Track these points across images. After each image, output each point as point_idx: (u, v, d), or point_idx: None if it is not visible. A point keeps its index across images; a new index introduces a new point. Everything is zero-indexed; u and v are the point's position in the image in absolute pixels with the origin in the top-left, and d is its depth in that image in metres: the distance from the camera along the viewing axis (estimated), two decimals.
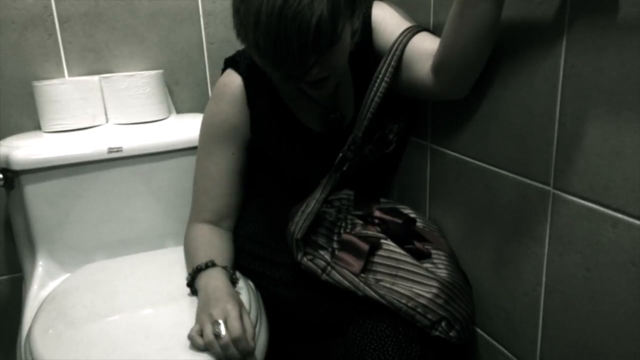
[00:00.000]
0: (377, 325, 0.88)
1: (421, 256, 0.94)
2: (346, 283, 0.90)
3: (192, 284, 0.95)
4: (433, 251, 0.96)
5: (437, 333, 0.87)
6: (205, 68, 1.37)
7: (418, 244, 0.96)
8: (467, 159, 0.95)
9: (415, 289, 0.88)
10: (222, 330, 0.79)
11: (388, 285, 0.89)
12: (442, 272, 0.92)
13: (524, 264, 0.85)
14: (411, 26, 0.93)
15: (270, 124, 1.02)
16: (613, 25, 0.63)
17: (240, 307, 0.85)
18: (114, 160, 1.14)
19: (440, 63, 0.85)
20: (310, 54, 0.80)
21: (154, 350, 0.82)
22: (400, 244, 0.94)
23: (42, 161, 1.09)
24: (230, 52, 1.06)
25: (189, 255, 1.03)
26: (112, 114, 1.24)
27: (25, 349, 0.88)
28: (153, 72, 1.24)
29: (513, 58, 0.81)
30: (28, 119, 1.25)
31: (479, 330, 0.99)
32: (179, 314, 0.91)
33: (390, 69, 0.92)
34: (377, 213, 1.01)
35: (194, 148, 1.11)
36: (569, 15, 0.69)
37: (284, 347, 1.02)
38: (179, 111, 1.36)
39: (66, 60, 1.25)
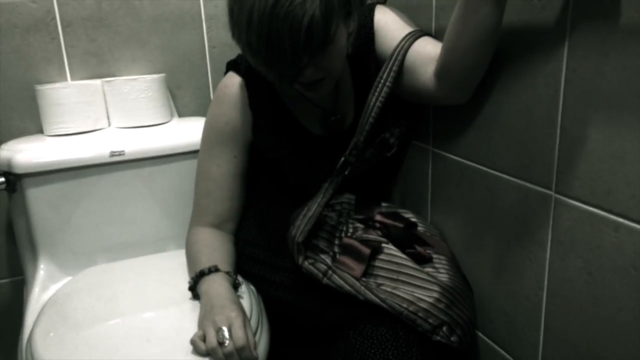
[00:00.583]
0: (378, 330, 0.88)
1: (422, 260, 0.94)
2: (347, 287, 0.90)
3: (194, 287, 0.95)
4: (434, 255, 0.96)
5: (438, 338, 0.87)
6: (207, 72, 1.37)
7: (419, 249, 0.96)
8: (468, 163, 0.95)
9: (417, 293, 0.88)
10: (227, 337, 0.79)
11: (389, 289, 0.89)
12: (444, 277, 0.92)
13: (525, 268, 0.85)
14: (413, 31, 0.93)
15: (271, 125, 1.02)
16: (615, 30, 0.63)
17: (243, 315, 0.85)
18: (116, 164, 1.14)
19: (442, 68, 0.85)
20: (302, 54, 0.79)
21: (155, 354, 0.82)
22: (402, 248, 0.94)
23: (44, 165, 1.09)
24: (232, 56, 1.06)
25: (191, 259, 1.03)
26: (114, 118, 1.25)
27: (27, 352, 0.88)
28: (155, 76, 1.24)
29: (515, 62, 0.81)
30: (30, 122, 1.25)
31: (480, 335, 0.99)
32: (181, 317, 0.91)
33: (392, 74, 0.92)
34: (378, 217, 1.01)
35: (196, 152, 1.11)
36: (571, 20, 0.70)
37: (285, 350, 1.02)
38: (181, 115, 1.37)
39: (69, 64, 1.25)
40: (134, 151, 1.15)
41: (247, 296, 0.96)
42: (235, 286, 0.95)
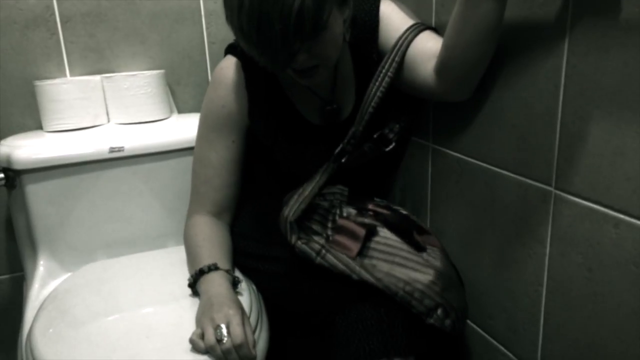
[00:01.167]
0: (362, 315, 0.87)
1: (417, 249, 0.94)
2: (341, 266, 0.89)
3: (193, 285, 0.95)
4: (427, 246, 0.96)
5: (431, 321, 0.86)
6: (206, 68, 1.37)
7: (417, 237, 0.95)
8: (468, 159, 0.95)
9: (412, 274, 0.87)
10: (225, 334, 0.79)
11: (385, 270, 0.88)
12: (437, 264, 0.91)
13: (525, 264, 0.85)
14: (417, 23, 0.93)
15: (267, 110, 1.01)
16: (615, 25, 0.63)
17: (242, 313, 0.85)
18: (116, 160, 1.14)
19: (443, 64, 0.85)
20: (293, 39, 0.79)
21: (154, 350, 0.82)
22: (398, 234, 0.93)
23: (43, 161, 1.09)
24: None
25: (190, 253, 1.02)
26: (113, 114, 1.24)
27: (26, 348, 0.88)
28: (155, 72, 1.24)
29: (515, 58, 0.81)
30: (30, 118, 1.25)
31: (480, 330, 0.99)
32: (180, 314, 0.91)
33: (394, 64, 0.92)
34: (371, 206, 1.00)
35: None
36: (571, 16, 0.69)
37: (283, 341, 1.02)
38: (180, 111, 1.37)
39: (68, 60, 1.25)
40: (134, 147, 1.15)
41: (247, 293, 0.96)
42: (235, 283, 0.95)
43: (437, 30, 0.94)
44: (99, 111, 1.23)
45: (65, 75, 1.26)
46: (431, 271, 0.88)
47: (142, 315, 0.92)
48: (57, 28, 1.23)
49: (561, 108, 0.73)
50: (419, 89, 0.93)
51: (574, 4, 0.69)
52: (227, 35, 1.39)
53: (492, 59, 0.83)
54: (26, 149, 1.10)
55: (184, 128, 1.21)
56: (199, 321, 0.85)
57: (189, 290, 0.95)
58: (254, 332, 0.86)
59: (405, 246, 0.91)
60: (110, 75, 1.24)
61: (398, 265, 0.89)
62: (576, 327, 0.76)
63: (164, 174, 1.19)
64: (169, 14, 1.30)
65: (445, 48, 0.83)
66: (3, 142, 1.15)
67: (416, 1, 1.01)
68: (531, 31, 0.77)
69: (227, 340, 0.79)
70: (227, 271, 0.95)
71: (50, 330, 0.88)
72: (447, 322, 0.87)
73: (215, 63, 1.35)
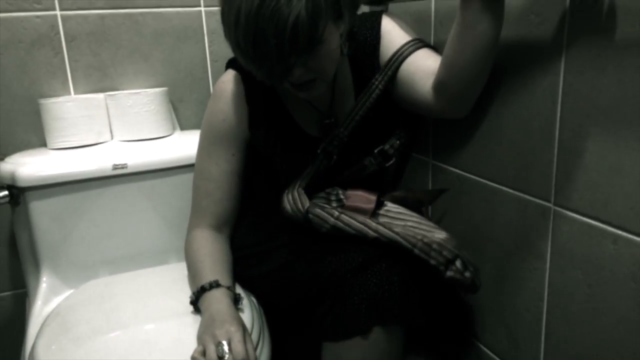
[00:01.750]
0: (351, 298, 0.87)
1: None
2: (357, 224, 0.89)
3: (195, 302, 0.95)
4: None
5: (451, 273, 0.85)
6: (209, 85, 1.38)
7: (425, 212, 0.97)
8: (468, 175, 0.96)
9: (427, 234, 0.88)
10: (226, 351, 0.79)
11: (400, 228, 0.89)
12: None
13: (525, 280, 0.85)
14: (415, 39, 0.94)
15: (266, 122, 1.02)
16: (611, 45, 0.65)
17: (244, 330, 0.85)
18: (119, 177, 1.15)
19: (441, 82, 0.86)
20: (288, 53, 0.80)
21: None
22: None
23: (47, 178, 1.10)
24: None
25: (192, 269, 1.02)
26: (117, 131, 1.26)
27: None
28: (157, 90, 1.25)
29: (513, 77, 0.82)
30: (34, 136, 1.26)
31: (481, 346, 0.99)
32: (182, 330, 0.91)
33: (385, 78, 0.94)
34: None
35: None
36: (567, 35, 0.71)
37: (283, 340, 1.03)
38: (183, 128, 1.38)
39: (72, 78, 1.27)
40: (137, 164, 1.16)
41: (249, 310, 0.96)
42: (237, 300, 0.95)
43: (436, 48, 0.96)
44: (103, 129, 1.24)
45: (69, 93, 1.27)
46: (444, 231, 0.89)
47: (144, 331, 0.92)
48: (61, 47, 1.24)
49: (559, 125, 0.74)
50: (417, 105, 0.94)
51: (570, 24, 0.70)
52: (229, 53, 1.40)
53: (491, 77, 0.84)
54: (30, 166, 1.11)
55: (187, 145, 1.21)
56: (200, 338, 0.85)
57: (190, 307, 0.96)
58: (255, 348, 0.86)
59: (415, 214, 0.93)
60: (113, 93, 1.25)
61: (411, 227, 0.90)
62: (577, 342, 0.76)
63: (167, 190, 1.20)
64: (171, 33, 1.32)
65: (444, 66, 0.84)
66: (7, 159, 1.16)
67: (415, 20, 1.03)
68: (528, 50, 0.78)
69: (228, 357, 0.79)
70: (228, 288, 0.95)
71: (53, 347, 0.88)
72: (467, 274, 0.86)
73: (217, 80, 1.37)
